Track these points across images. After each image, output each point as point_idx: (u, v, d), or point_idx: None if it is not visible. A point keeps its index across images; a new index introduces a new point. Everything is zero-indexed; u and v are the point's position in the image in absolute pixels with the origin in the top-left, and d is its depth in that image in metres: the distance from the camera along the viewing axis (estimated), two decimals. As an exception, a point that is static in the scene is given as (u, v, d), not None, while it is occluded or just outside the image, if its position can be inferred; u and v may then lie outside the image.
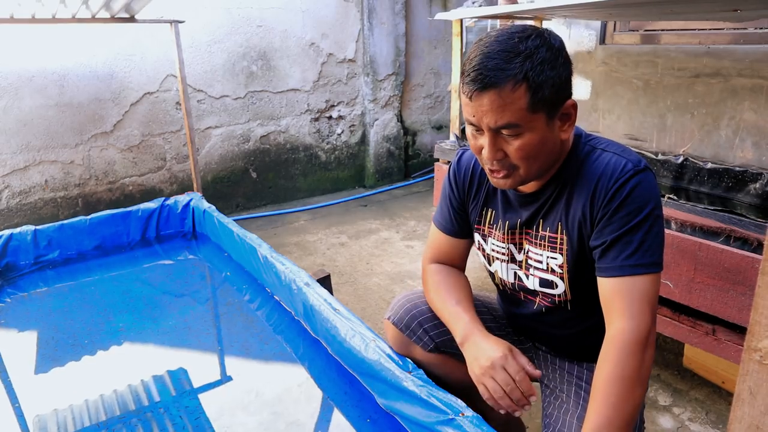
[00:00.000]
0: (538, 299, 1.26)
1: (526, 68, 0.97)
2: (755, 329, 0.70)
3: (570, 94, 1.06)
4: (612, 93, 2.73)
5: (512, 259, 1.26)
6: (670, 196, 1.93)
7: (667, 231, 1.81)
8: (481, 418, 1.23)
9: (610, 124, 2.76)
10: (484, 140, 1.05)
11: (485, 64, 0.98)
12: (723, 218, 1.71)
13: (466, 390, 1.47)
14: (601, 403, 0.98)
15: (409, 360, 1.45)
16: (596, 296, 1.11)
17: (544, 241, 1.18)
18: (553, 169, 1.14)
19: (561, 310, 1.23)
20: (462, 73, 1.04)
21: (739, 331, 1.69)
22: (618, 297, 1.04)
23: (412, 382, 1.38)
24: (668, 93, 2.47)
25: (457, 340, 1.22)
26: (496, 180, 1.11)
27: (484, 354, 1.13)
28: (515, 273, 1.27)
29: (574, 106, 1.07)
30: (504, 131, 1.03)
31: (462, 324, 1.21)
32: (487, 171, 1.13)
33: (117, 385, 1.77)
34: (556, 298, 1.21)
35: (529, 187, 1.18)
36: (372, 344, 1.55)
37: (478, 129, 1.06)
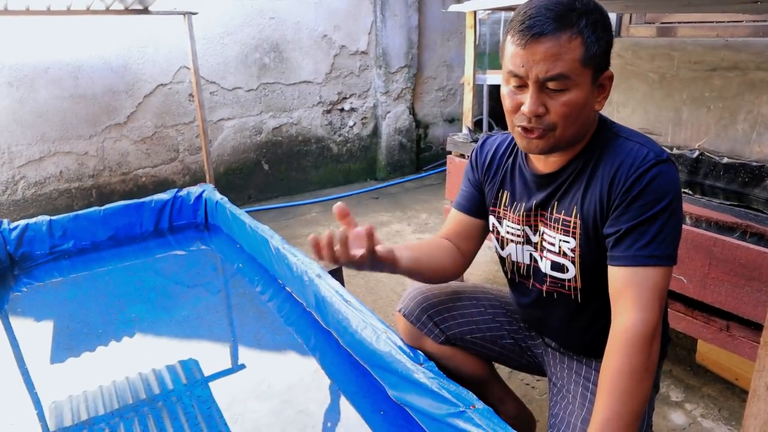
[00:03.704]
0: (545, 287, 1.25)
1: (582, 24, 1.00)
2: (772, 325, 0.69)
3: (609, 64, 1.07)
4: (627, 86, 2.70)
5: (527, 241, 1.25)
6: (685, 190, 1.91)
7: (682, 226, 1.79)
8: (492, 410, 1.23)
9: (624, 117, 2.73)
10: (526, 95, 1.04)
11: (544, 13, 1.00)
12: (739, 213, 1.68)
13: (477, 382, 1.47)
14: (608, 398, 0.98)
15: (420, 352, 1.45)
16: (606, 288, 1.09)
17: (558, 224, 1.17)
18: (577, 148, 1.13)
19: (570, 298, 1.22)
20: (513, 24, 1.04)
21: (754, 327, 1.68)
22: (628, 288, 1.03)
23: (423, 374, 1.38)
24: (684, 86, 2.43)
25: None
26: (528, 142, 1.09)
27: None
28: (531, 254, 1.26)
29: (611, 78, 1.08)
30: (552, 84, 1.02)
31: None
32: (519, 134, 1.10)
33: (130, 373, 1.79)
34: (566, 283, 1.20)
35: (547, 167, 1.18)
36: (383, 336, 1.56)
37: (520, 85, 1.05)
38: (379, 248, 1.10)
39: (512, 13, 1.08)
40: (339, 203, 1.07)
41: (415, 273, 1.25)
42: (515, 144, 1.27)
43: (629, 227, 1.04)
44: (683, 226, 1.78)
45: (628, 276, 1.03)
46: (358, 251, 1.06)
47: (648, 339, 0.99)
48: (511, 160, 1.28)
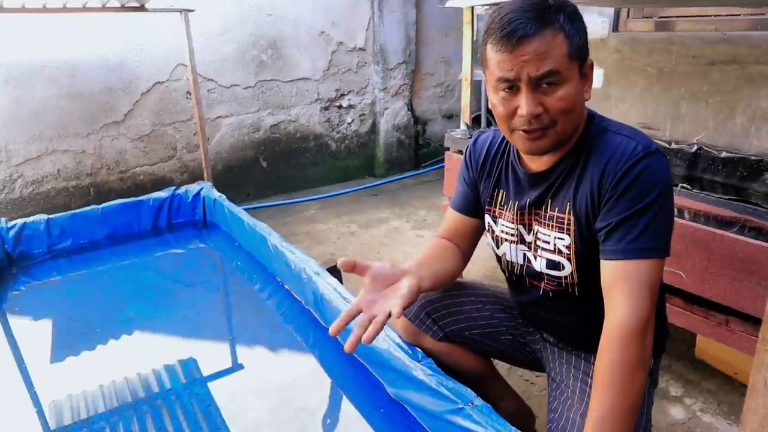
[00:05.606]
0: (543, 284, 1.25)
1: (560, 18, 1.01)
2: (770, 320, 0.69)
3: (588, 53, 1.08)
4: (625, 81, 2.70)
5: (521, 240, 1.25)
6: (684, 185, 1.91)
7: (680, 221, 1.79)
8: (491, 407, 1.23)
9: (622, 112, 2.73)
10: (521, 98, 1.04)
11: (522, 15, 1.00)
12: (737, 208, 1.68)
13: (475, 379, 1.47)
14: (603, 392, 0.98)
15: (419, 349, 1.45)
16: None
17: (552, 222, 1.17)
18: (568, 145, 1.13)
19: (567, 294, 1.22)
20: (491, 32, 1.03)
21: (753, 321, 1.68)
22: (620, 281, 1.03)
23: (422, 371, 1.38)
24: (682, 81, 2.43)
25: None
26: (530, 143, 1.08)
27: None
28: (524, 254, 1.26)
29: (592, 66, 1.09)
30: (545, 81, 1.02)
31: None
32: (518, 137, 1.09)
33: (129, 372, 1.78)
34: (563, 281, 1.20)
35: (540, 166, 1.17)
36: (382, 333, 1.55)
37: (512, 87, 1.04)
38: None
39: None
40: (341, 260, 1.07)
41: (437, 287, 1.26)
42: (507, 142, 1.27)
43: (619, 220, 1.04)
44: (681, 220, 1.79)
45: (619, 269, 1.03)
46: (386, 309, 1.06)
47: (640, 332, 0.99)
48: (504, 158, 1.28)
